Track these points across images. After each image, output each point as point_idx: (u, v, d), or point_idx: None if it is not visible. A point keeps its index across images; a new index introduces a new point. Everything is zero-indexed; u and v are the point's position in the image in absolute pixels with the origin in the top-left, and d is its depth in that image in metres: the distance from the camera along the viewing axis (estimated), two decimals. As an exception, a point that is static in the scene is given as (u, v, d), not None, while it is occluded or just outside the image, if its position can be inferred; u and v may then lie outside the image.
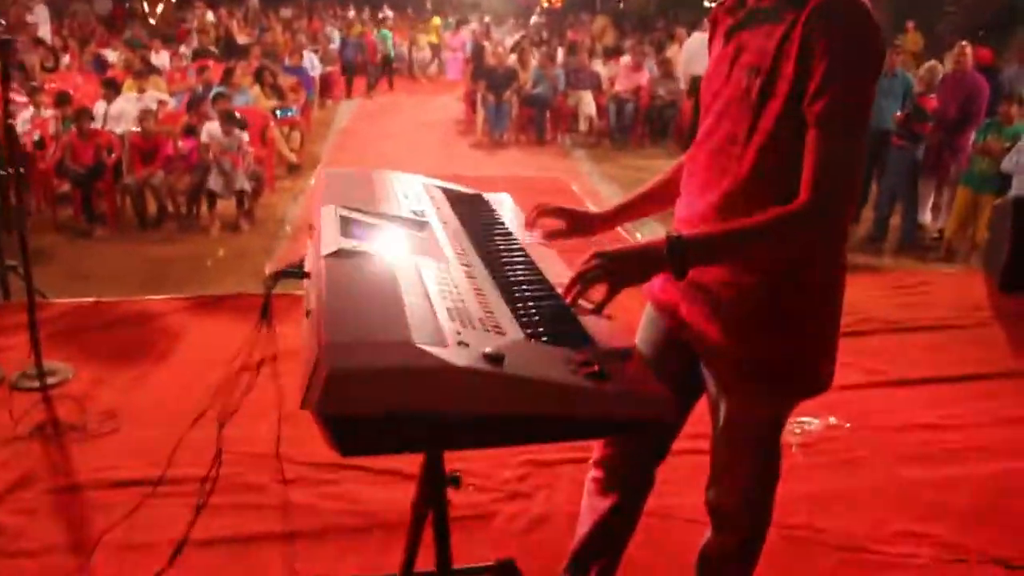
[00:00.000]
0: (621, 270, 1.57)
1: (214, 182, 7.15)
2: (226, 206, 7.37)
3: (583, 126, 11.48)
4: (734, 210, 1.63)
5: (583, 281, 1.59)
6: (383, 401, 1.20)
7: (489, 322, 1.44)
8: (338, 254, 1.58)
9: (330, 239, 1.66)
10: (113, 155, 7.32)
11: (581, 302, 1.61)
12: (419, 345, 1.25)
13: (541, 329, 1.48)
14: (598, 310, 1.61)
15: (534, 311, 1.56)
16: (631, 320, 1.97)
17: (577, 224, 2.02)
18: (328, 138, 11.25)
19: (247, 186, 7.24)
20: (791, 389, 1.74)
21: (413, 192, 2.17)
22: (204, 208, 7.33)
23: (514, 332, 1.44)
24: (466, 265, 1.72)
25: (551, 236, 2.00)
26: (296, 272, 1.70)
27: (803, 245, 1.57)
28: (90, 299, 4.72)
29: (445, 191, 2.30)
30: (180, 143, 7.58)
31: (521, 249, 1.93)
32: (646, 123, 11.34)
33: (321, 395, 1.18)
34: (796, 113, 1.53)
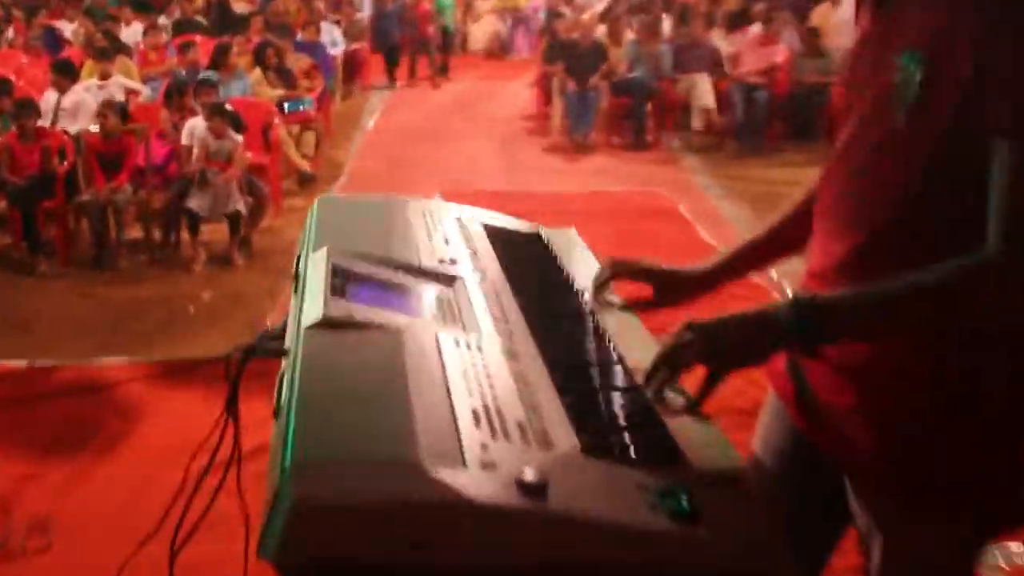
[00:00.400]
0: (726, 348, 1.53)
1: (197, 200, 7.23)
2: (215, 232, 7.46)
3: (697, 122, 11.42)
4: (885, 260, 1.56)
5: (671, 364, 1.54)
6: (370, 549, 1.15)
7: (532, 428, 1.38)
8: (323, 324, 1.56)
9: (314, 301, 1.64)
10: (65, 163, 7.46)
11: (668, 394, 1.55)
12: (426, 467, 1.20)
13: (607, 439, 1.42)
14: (693, 406, 1.53)
15: (600, 410, 1.51)
16: (742, 419, 1.87)
17: (666, 287, 1.99)
18: (354, 140, 11.40)
19: (242, 206, 7.32)
20: (984, 522, 1.65)
21: (442, 228, 2.15)
22: (185, 235, 7.45)
23: (567, 442, 1.38)
24: (507, 338, 1.67)
25: (631, 308, 1.97)
26: (271, 349, 1.66)
27: (995, 313, 1.48)
28: (22, 363, 4.78)
29: (488, 228, 2.27)
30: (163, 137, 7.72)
31: (589, 314, 1.88)
32: (785, 117, 11.22)
33: (282, 539, 1.14)
34: (976, 119, 1.44)
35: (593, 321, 1.84)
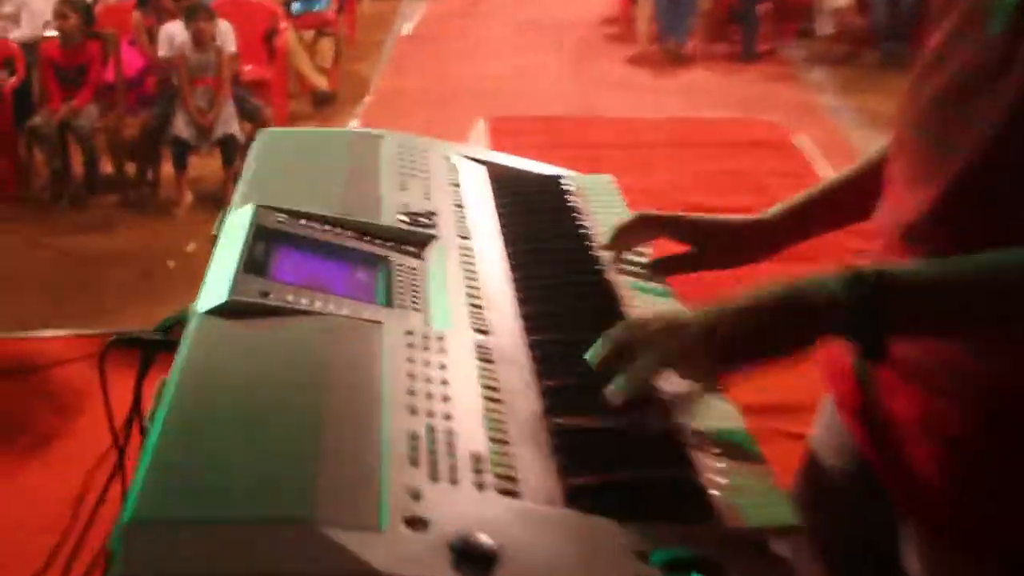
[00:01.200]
0: (732, 337, 1.39)
1: (182, 125, 7.23)
2: (204, 166, 7.42)
3: (827, 27, 11.35)
4: (971, 218, 1.44)
5: (638, 366, 1.39)
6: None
7: (495, 465, 1.26)
8: (226, 311, 1.47)
9: (220, 278, 1.55)
10: (14, 77, 7.49)
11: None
12: (322, 528, 1.07)
13: (604, 483, 1.29)
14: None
15: (602, 440, 1.38)
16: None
17: (709, 244, 1.89)
18: (384, 50, 11.38)
19: (237, 131, 7.30)
20: None
21: (424, 174, 2.06)
22: (167, 169, 7.45)
23: (543, 488, 1.26)
24: (483, 332, 1.56)
25: (661, 271, 1.88)
26: (156, 340, 1.67)
27: None
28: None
29: (491, 173, 2.18)
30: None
31: (609, 294, 1.75)
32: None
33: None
34: None
35: (614, 306, 1.70)
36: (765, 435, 3.56)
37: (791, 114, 8.94)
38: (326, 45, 9.78)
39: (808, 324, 1.39)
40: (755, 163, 7.44)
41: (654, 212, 1.91)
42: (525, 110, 8.79)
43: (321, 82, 9.38)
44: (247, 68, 7.89)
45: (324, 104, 9.24)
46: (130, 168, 7.58)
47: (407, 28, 12.34)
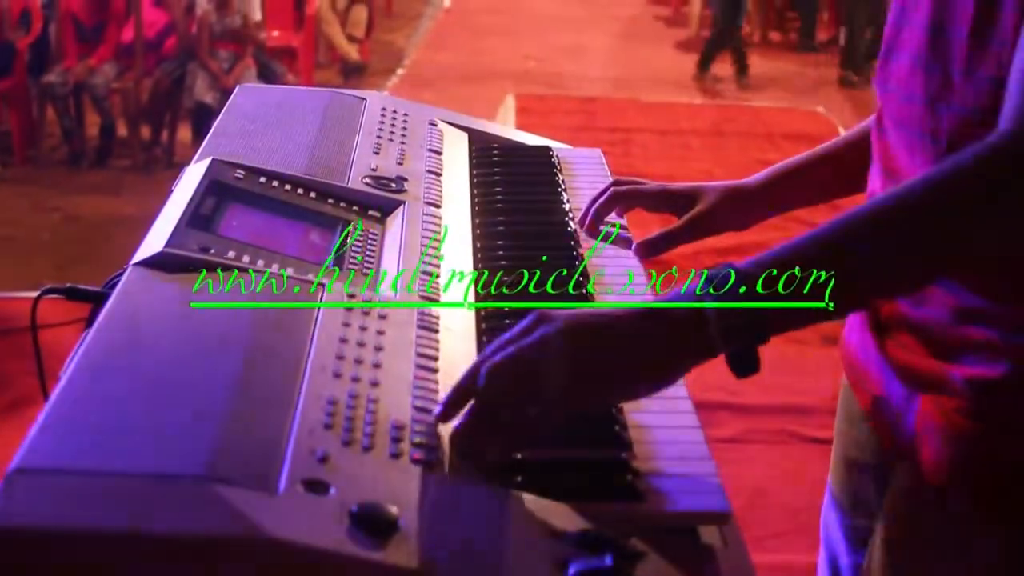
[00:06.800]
0: (606, 366, 1.28)
1: (202, 89, 7.24)
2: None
3: (890, 18, 11.15)
4: None
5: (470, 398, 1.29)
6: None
7: (418, 435, 1.25)
8: (159, 263, 1.49)
9: (160, 231, 1.56)
10: (31, 33, 7.52)
11: None
12: (213, 486, 1.06)
13: (532, 458, 1.28)
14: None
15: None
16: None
17: (691, 210, 1.84)
18: (422, 21, 11.42)
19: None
20: None
21: (402, 137, 2.06)
22: (184, 133, 7.51)
23: (464, 462, 1.25)
24: (432, 301, 1.54)
25: (643, 254, 1.83)
26: (85, 291, 1.66)
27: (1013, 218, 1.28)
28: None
29: (477, 138, 2.20)
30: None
31: (573, 270, 1.73)
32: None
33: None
34: None
35: (582, 279, 1.69)
36: (773, 436, 3.55)
37: (843, 107, 8.91)
38: (359, 14, 9.75)
39: (675, 344, 1.27)
40: (793, 156, 7.35)
41: (625, 186, 1.87)
42: (563, 91, 8.76)
43: (351, 52, 9.40)
44: (274, 34, 7.91)
45: (353, 75, 9.25)
46: (145, 131, 7.61)
47: (446, 0, 12.34)
